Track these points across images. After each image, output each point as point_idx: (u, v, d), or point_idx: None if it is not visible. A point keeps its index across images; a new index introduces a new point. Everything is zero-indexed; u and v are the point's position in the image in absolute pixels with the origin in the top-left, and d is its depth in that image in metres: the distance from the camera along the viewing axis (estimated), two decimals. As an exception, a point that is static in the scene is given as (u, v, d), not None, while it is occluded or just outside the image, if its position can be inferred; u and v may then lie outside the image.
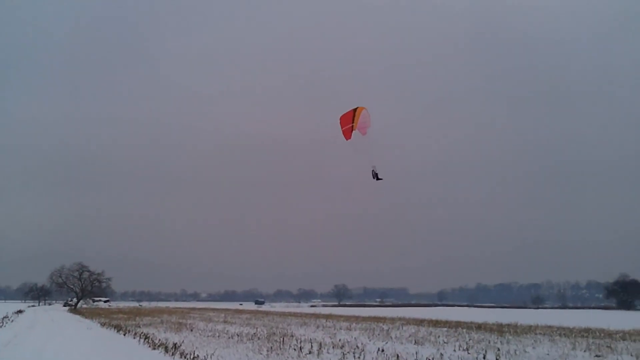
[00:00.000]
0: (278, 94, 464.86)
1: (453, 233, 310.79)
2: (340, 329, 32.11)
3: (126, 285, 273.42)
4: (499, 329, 31.74)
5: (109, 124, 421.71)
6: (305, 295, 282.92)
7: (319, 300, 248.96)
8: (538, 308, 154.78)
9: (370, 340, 24.02)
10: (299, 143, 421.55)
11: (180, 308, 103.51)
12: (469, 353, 19.33)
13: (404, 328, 32.70)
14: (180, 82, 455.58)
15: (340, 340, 23.91)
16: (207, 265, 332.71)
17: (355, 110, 27.19)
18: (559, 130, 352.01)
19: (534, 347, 21.34)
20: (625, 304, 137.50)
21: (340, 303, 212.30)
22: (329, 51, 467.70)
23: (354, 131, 27.14)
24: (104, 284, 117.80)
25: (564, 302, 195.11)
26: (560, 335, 28.03)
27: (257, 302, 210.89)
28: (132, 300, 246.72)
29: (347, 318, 48.76)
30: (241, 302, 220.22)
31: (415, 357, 18.03)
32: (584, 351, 20.27)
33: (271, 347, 20.65)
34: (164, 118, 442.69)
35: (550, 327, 36.38)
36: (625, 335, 28.23)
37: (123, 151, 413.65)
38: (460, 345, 21.48)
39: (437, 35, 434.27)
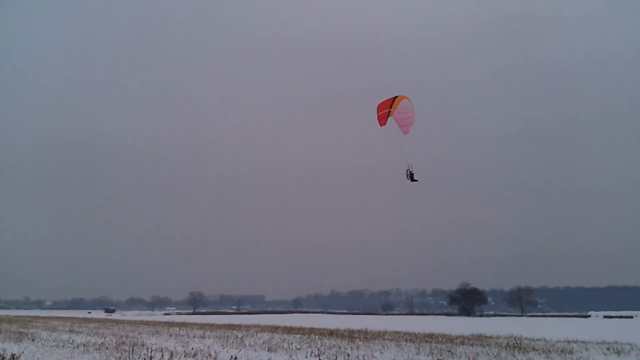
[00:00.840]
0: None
1: (307, 241, 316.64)
2: (194, 337, 31.50)
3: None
4: (350, 335, 32.67)
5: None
6: (159, 303, 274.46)
7: (174, 308, 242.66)
8: (387, 314, 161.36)
9: (223, 348, 23.80)
10: (147, 147, 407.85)
11: (22, 316, 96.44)
12: (320, 359, 19.74)
13: (259, 335, 32.71)
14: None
15: (193, 348, 23.46)
16: (53, 271, 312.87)
17: (395, 98, 25.77)
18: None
19: (381, 352, 22.21)
20: (466, 311, 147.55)
21: (196, 311, 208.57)
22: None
23: (390, 117, 25.72)
24: None
25: (411, 309, 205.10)
26: (406, 340, 29.36)
27: (107, 311, 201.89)
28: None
29: (202, 326, 47.94)
30: (90, 311, 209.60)
31: (267, 364, 18.12)
32: (427, 355, 21.41)
33: (120, 357, 19.86)
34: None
35: (397, 332, 37.96)
36: (464, 340, 30.17)
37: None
38: (312, 352, 21.86)
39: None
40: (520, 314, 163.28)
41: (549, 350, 24.66)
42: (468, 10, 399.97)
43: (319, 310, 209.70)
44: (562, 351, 24.60)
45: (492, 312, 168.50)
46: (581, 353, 24.22)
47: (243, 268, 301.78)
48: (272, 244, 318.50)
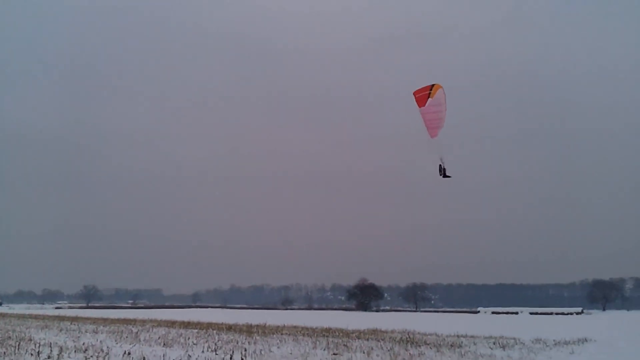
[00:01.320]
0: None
1: (206, 234, 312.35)
2: (86, 332, 30.38)
3: None
4: (249, 330, 32.63)
5: None
6: (50, 297, 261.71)
7: (66, 302, 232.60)
8: (287, 309, 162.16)
9: (117, 343, 23.10)
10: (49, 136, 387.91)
11: None
12: (217, 354, 19.60)
13: (154, 330, 32.03)
14: None
15: (84, 343, 22.60)
16: None
17: (432, 85, 24.82)
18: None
19: (278, 347, 22.34)
20: (363, 306, 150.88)
21: (89, 305, 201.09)
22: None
23: (430, 99, 24.51)
24: None
25: (310, 304, 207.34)
26: (304, 334, 29.68)
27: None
28: None
29: (95, 320, 46.30)
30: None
31: (162, 359, 17.80)
32: (324, 349, 21.74)
33: (4, 353, 18.82)
34: None
35: (296, 327, 38.29)
36: (360, 334, 30.89)
37: None
38: (209, 347, 21.66)
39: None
40: (415, 309, 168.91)
41: (440, 345, 25.69)
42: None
43: (219, 305, 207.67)
44: (451, 345, 25.69)
45: (388, 307, 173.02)
46: (469, 347, 25.40)
47: (140, 261, 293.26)
48: (170, 237, 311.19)
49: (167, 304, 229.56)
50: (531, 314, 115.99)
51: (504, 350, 24.80)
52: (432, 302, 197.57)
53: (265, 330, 32.68)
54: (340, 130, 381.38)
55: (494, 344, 27.62)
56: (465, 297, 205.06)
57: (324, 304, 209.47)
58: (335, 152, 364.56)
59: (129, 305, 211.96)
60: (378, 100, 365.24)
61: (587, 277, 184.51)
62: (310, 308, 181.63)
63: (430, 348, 23.86)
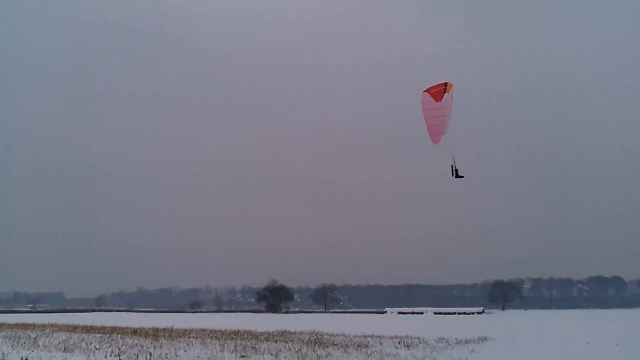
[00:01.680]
0: None
1: (110, 235, 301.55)
2: (-21, 338, 28.82)
3: None
4: (155, 334, 32.01)
5: None
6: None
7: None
8: (195, 312, 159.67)
9: (13, 349, 22.06)
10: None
11: None
12: (120, 359, 19.13)
13: (55, 335, 30.79)
14: None
15: (-24, 350, 21.46)
16: None
17: (446, 84, 24.31)
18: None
19: (185, 350, 22.06)
20: (273, 308, 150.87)
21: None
22: None
23: (446, 93, 24.14)
24: None
25: (220, 306, 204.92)
26: (212, 337, 29.42)
27: None
28: None
29: (-10, 326, 43.99)
30: None
31: (62, 366, 17.18)
32: (231, 352, 21.66)
33: None
34: None
35: (204, 330, 37.90)
36: (269, 337, 30.95)
37: None
38: (112, 351, 21.11)
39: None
40: (324, 310, 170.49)
41: (347, 345, 26.16)
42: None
43: (124, 308, 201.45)
44: (359, 345, 26.22)
45: (297, 309, 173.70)
46: (376, 347, 26.01)
47: (40, 263, 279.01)
48: (73, 238, 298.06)
49: (69, 307, 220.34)
50: (435, 313, 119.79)
51: (409, 349, 25.57)
52: (341, 303, 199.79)
53: (172, 334, 32.16)
54: (254, 131, 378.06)
55: (399, 343, 28.41)
56: (374, 298, 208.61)
57: (234, 307, 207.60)
58: (249, 155, 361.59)
59: (28, 309, 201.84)
60: (292, 102, 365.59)
61: (489, 278, 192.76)
62: (219, 311, 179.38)
63: (338, 349, 24.26)
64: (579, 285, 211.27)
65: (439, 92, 24.31)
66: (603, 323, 62.95)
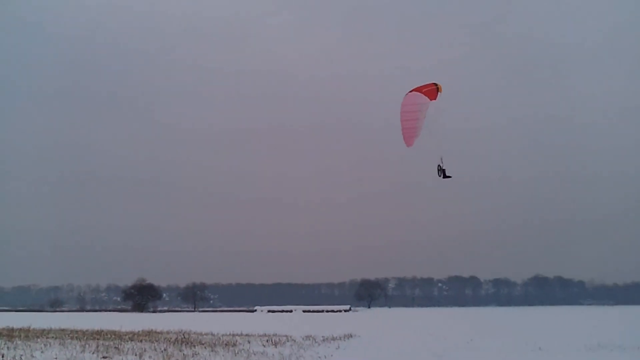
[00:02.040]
0: None
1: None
2: None
3: None
4: (10, 334, 30.16)
5: None
6: None
7: None
8: (56, 311, 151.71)
9: None
10: None
11: None
12: (-32, 361, 17.93)
13: None
14: None
15: None
16: None
17: (435, 84, 23.24)
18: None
19: (42, 352, 21.03)
20: (140, 307, 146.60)
21: None
22: None
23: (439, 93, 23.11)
24: None
25: (82, 305, 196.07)
26: (72, 338, 28.21)
27: None
28: None
29: None
30: None
31: None
32: (93, 353, 20.93)
33: None
34: None
35: (64, 330, 36.22)
36: (134, 336, 30.14)
37: None
38: (-41, 354, 19.70)
39: None
40: (193, 309, 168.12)
41: (215, 344, 26.09)
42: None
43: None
44: (226, 344, 26.23)
45: (166, 308, 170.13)
46: (244, 345, 26.14)
47: None
48: None
49: None
50: (304, 311, 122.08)
51: (276, 347, 25.94)
52: (212, 302, 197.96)
53: (28, 334, 30.44)
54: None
55: (267, 341, 28.73)
56: (244, 297, 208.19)
57: (98, 306, 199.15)
58: (138, 152, 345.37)
59: None
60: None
61: (356, 277, 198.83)
62: (82, 310, 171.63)
63: (205, 348, 24.14)
64: (439, 285, 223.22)
65: (431, 91, 23.81)
66: (460, 320, 67.18)
